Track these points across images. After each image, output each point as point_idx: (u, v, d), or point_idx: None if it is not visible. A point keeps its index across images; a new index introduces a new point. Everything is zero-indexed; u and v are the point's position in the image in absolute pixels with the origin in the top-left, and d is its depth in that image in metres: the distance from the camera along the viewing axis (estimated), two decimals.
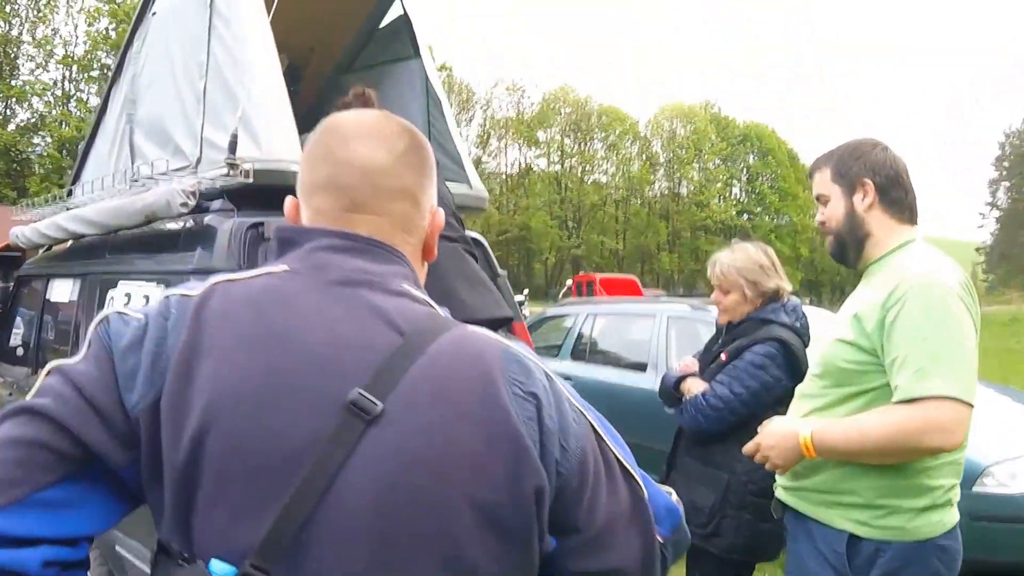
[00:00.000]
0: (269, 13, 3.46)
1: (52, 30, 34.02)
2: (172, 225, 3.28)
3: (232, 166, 3.14)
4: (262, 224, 3.15)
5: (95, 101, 32.93)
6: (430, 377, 0.95)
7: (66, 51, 33.91)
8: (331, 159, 1.08)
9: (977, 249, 72.70)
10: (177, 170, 3.66)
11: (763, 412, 2.63)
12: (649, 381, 6.28)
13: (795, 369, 2.80)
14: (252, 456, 0.90)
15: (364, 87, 2.85)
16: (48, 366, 0.97)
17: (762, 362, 2.83)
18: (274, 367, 0.93)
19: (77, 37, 33.89)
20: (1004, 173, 70.12)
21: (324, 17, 4.46)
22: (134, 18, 4.25)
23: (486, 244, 4.32)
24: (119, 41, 31.66)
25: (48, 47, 33.64)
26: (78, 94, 33.67)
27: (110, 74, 4.64)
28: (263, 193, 3.30)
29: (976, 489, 4.19)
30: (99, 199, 4.13)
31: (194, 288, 1.00)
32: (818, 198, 2.29)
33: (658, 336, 6.71)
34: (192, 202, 3.01)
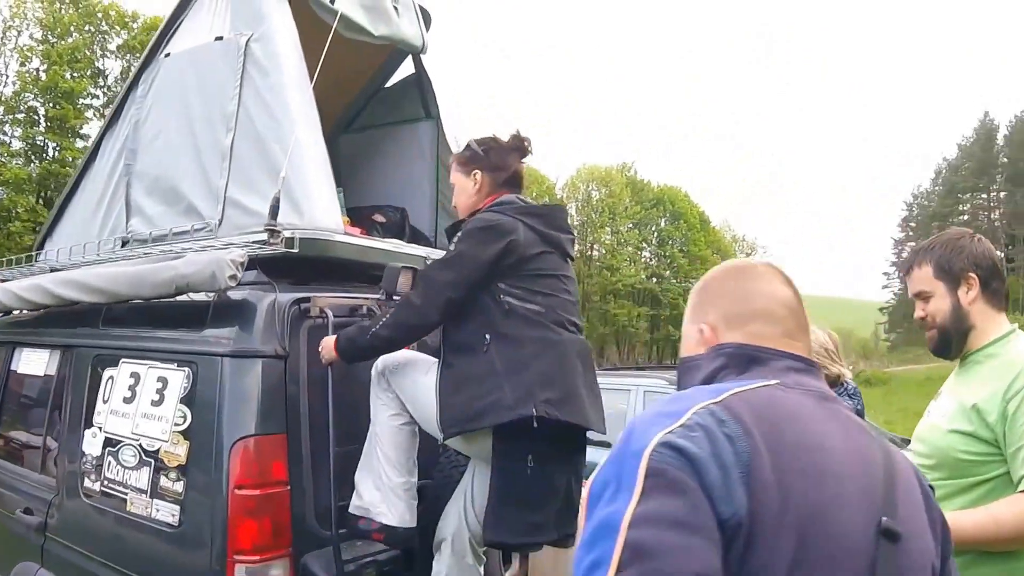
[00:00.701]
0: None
1: None
2: (194, 297, 2.88)
3: (272, 233, 2.80)
4: (307, 300, 2.80)
5: (17, 144, 31.45)
6: (907, 488, 1.14)
7: None
8: (763, 294, 1.31)
9: (881, 309, 76.00)
10: (182, 233, 3.28)
11: None
12: None
13: None
14: (825, 559, 0.99)
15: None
16: (624, 529, 0.91)
17: None
18: (825, 474, 1.04)
19: (7, 76, 32.13)
20: (910, 234, 73.87)
21: (327, 72, 4.18)
22: (142, 57, 3.79)
23: None
24: (51, 83, 30.30)
25: None
26: (0, 136, 31.90)
27: (105, 117, 4.17)
28: (299, 265, 2.97)
29: None
30: (83, 261, 3.67)
31: (713, 396, 1.06)
32: (919, 295, 2.25)
33: (635, 411, 6.54)
34: (241, 275, 2.62)
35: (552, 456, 2.50)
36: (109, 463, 2.93)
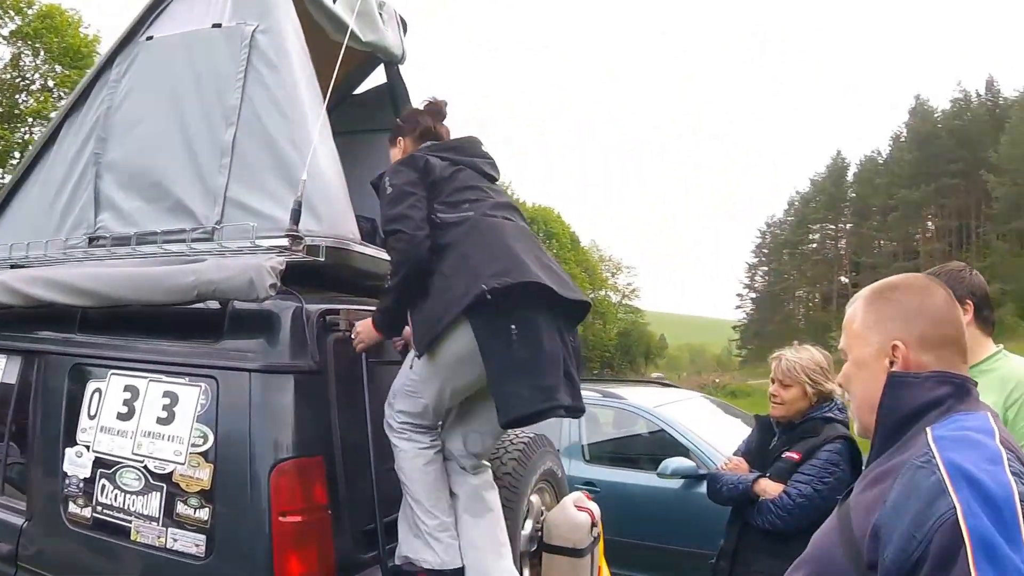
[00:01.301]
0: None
1: None
2: (198, 304, 2.60)
3: (295, 239, 2.60)
4: (335, 312, 2.62)
5: None
6: None
7: None
8: (951, 321, 1.43)
9: (733, 327, 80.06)
10: (172, 232, 2.99)
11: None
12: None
13: (858, 464, 2.93)
14: None
15: None
16: None
17: (836, 460, 2.98)
18: None
19: None
20: (763, 259, 78.31)
21: None
22: (118, 39, 3.40)
23: None
24: None
25: None
26: None
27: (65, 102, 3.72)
28: (314, 274, 2.77)
29: None
30: (45, 258, 3.28)
31: (991, 435, 1.26)
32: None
33: (569, 424, 6.51)
34: (279, 284, 2.38)
35: (535, 321, 2.45)
36: (104, 487, 2.60)
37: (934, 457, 1.20)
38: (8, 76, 26.77)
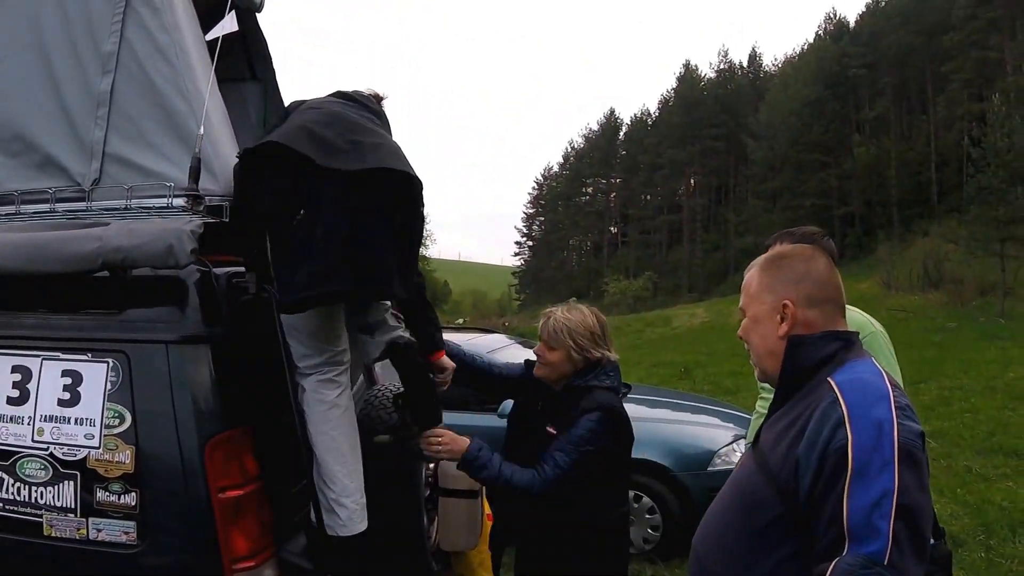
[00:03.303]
0: None
1: None
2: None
3: (196, 199, 2.38)
4: (243, 276, 2.45)
5: None
6: None
7: None
8: (831, 281, 1.70)
9: (513, 273, 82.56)
10: (35, 192, 2.63)
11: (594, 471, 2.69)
12: None
13: (621, 434, 2.79)
14: None
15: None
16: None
17: (591, 436, 2.68)
18: None
19: None
20: (540, 209, 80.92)
21: None
22: None
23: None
24: None
25: None
26: None
27: None
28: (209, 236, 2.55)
29: (710, 468, 5.19)
30: None
31: (880, 375, 1.55)
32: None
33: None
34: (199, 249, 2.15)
35: (319, 202, 2.25)
36: (2, 481, 2.29)
37: (838, 398, 1.46)
38: None
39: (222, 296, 2.34)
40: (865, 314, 2.97)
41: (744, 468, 1.71)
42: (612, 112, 79.54)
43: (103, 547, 2.18)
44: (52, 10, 2.66)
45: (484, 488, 3.32)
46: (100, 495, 2.19)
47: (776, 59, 69.68)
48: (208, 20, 4.00)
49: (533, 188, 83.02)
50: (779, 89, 57.70)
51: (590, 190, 80.00)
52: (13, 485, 2.29)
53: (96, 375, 2.23)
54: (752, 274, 1.79)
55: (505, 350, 6.65)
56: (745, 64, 71.61)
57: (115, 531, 2.17)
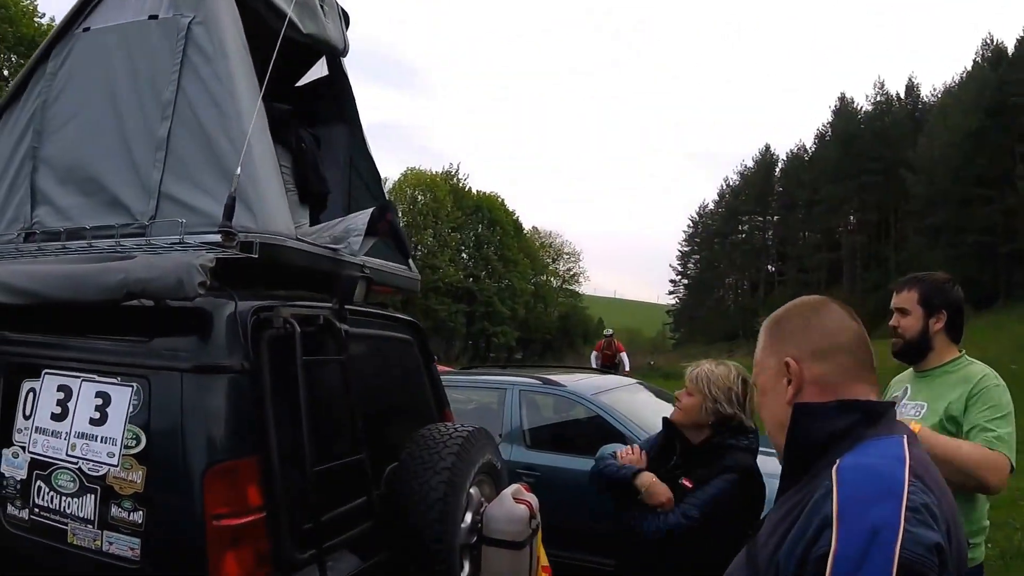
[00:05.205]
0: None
1: None
2: (136, 303, 2.44)
3: (228, 235, 2.46)
4: (270, 309, 2.49)
5: None
6: None
7: None
8: (842, 330, 1.38)
9: (667, 311, 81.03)
10: (102, 228, 2.82)
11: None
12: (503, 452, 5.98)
13: (754, 499, 2.71)
14: None
15: None
16: None
17: (725, 497, 2.67)
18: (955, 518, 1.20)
19: None
20: (695, 247, 79.33)
21: None
22: (55, 30, 3.19)
23: (422, 329, 3.86)
24: None
25: None
26: None
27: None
28: (248, 271, 2.64)
29: None
30: None
31: (900, 462, 1.17)
32: (899, 309, 2.76)
33: (513, 409, 6.47)
34: (209, 282, 2.24)
35: None
36: (40, 489, 2.44)
37: (831, 491, 1.14)
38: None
39: (245, 329, 2.38)
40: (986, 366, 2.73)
41: (736, 561, 1.38)
42: (767, 148, 76.53)
43: (112, 559, 2.27)
44: (121, 63, 2.89)
45: (540, 536, 3.22)
46: (114, 510, 2.28)
47: (935, 89, 64.82)
48: (297, 65, 4.21)
49: (688, 226, 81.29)
50: (938, 120, 53.72)
51: (746, 228, 77.31)
52: (48, 494, 2.43)
53: (122, 397, 2.33)
54: (758, 340, 1.50)
55: (612, 392, 6.47)
56: (902, 95, 67.17)
57: (123, 546, 2.25)
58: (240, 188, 2.54)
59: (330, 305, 2.76)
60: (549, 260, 63.96)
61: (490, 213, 54.55)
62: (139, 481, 2.24)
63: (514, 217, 57.11)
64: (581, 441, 6.03)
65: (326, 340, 2.73)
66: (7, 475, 2.54)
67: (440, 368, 4.25)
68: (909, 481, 1.12)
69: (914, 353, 2.75)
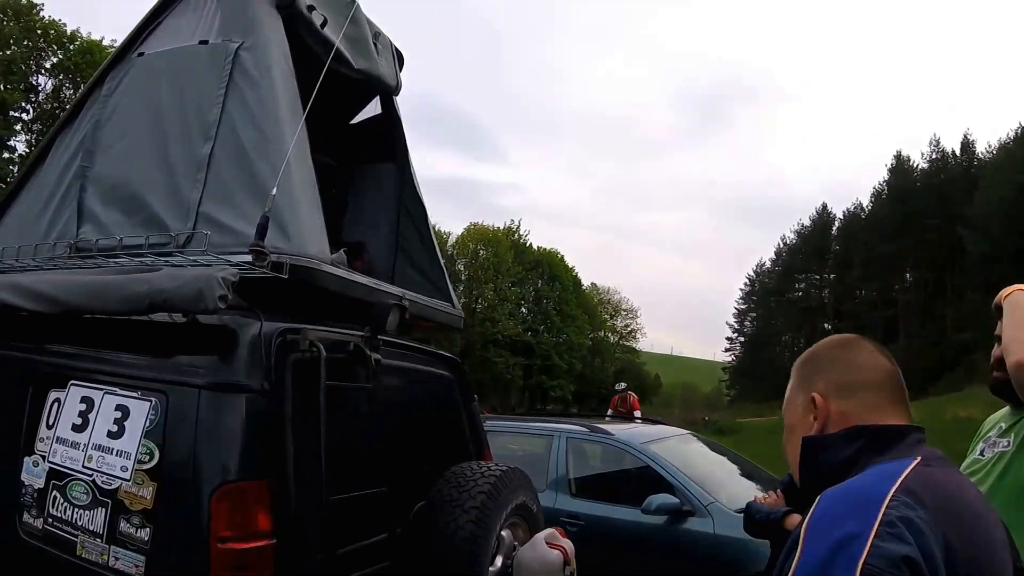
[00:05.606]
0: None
1: None
2: (161, 316, 2.38)
3: (259, 255, 2.37)
4: (296, 331, 2.38)
5: None
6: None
7: None
8: (869, 366, 1.30)
9: (723, 368, 79.45)
10: (135, 246, 2.77)
11: None
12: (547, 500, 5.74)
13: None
14: None
15: None
16: None
17: None
18: (990, 542, 1.10)
19: None
20: (751, 305, 78.02)
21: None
22: (112, 54, 3.25)
23: (464, 368, 3.73)
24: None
25: None
26: None
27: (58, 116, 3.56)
28: (279, 293, 2.54)
29: None
30: (26, 265, 3.05)
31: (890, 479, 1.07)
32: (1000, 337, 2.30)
33: (557, 458, 6.25)
34: (231, 296, 2.17)
35: None
36: (55, 499, 2.37)
37: (811, 513, 1.08)
38: (50, 106, 27.00)
39: (269, 349, 2.29)
40: None
41: None
42: (824, 207, 75.24)
43: (117, 575, 2.17)
44: (170, 86, 2.91)
45: None
46: (123, 525, 2.20)
47: (990, 145, 62.57)
48: (353, 102, 4.21)
49: (745, 284, 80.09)
50: (993, 176, 52.15)
51: (802, 286, 75.77)
52: (62, 504, 2.36)
53: (140, 412, 2.26)
54: (791, 376, 1.44)
55: (662, 442, 6.20)
56: (958, 152, 65.33)
57: (128, 562, 2.16)
58: (276, 210, 2.48)
59: (362, 333, 2.65)
60: (607, 316, 63.62)
61: (550, 268, 54.73)
62: (149, 497, 2.15)
63: (573, 273, 57.15)
64: (628, 491, 5.77)
65: (355, 368, 2.61)
66: (26, 483, 2.49)
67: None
68: (893, 496, 1.03)
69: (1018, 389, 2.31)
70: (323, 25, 3.14)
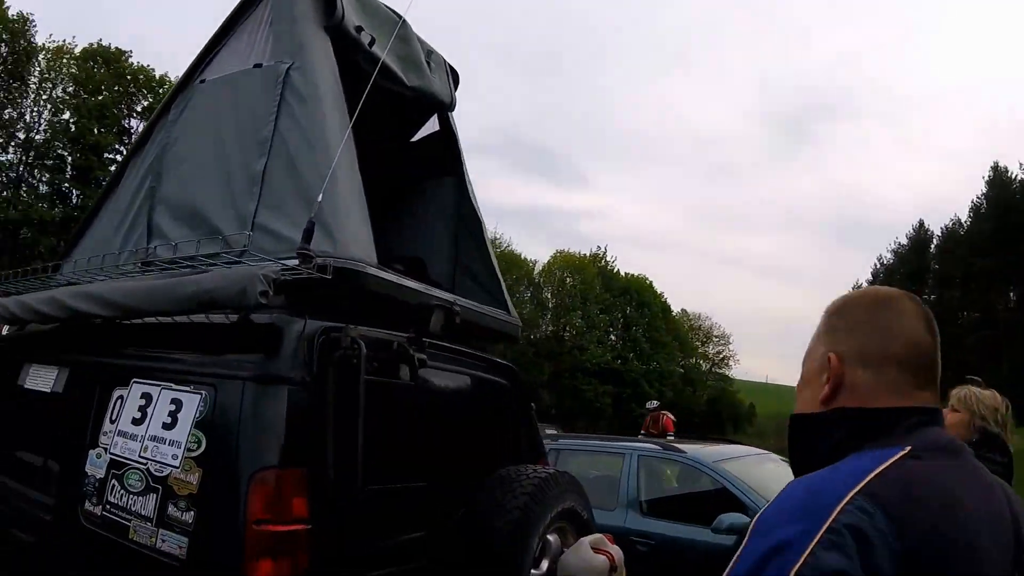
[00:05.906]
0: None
1: (18, 114, 31.84)
2: (218, 319, 2.52)
3: (305, 257, 2.47)
4: (338, 329, 2.46)
5: (44, 189, 31.80)
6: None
7: (27, 135, 31.97)
8: (905, 338, 1.13)
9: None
10: (210, 255, 2.94)
11: None
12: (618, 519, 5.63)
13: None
14: None
15: None
16: None
17: None
18: (973, 547, 0.98)
19: (40, 124, 32.05)
20: None
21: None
22: (177, 82, 3.51)
23: (520, 376, 3.74)
24: (79, 134, 30.48)
25: (10, 129, 31.49)
26: (29, 179, 31.97)
27: (131, 142, 3.85)
28: (327, 295, 2.64)
29: None
30: (99, 278, 3.28)
31: (852, 483, 0.96)
32: None
33: (631, 475, 6.14)
34: (272, 292, 2.27)
35: None
36: (113, 487, 2.53)
37: (769, 503, 1.02)
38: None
39: (311, 345, 2.39)
40: None
41: None
42: (921, 224, 71.51)
43: (162, 556, 2.29)
44: (229, 109, 3.11)
45: None
46: (171, 509, 2.31)
47: None
48: (411, 121, 4.33)
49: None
50: None
51: None
52: (118, 492, 2.50)
53: (192, 404, 2.39)
54: (818, 323, 1.28)
55: (736, 461, 6.05)
56: None
57: (173, 544, 2.27)
58: (322, 215, 2.59)
59: (407, 334, 2.71)
60: (698, 343, 62.22)
61: (639, 295, 54.03)
62: (195, 482, 2.27)
63: (663, 299, 56.25)
64: (699, 510, 5.62)
65: (399, 366, 2.66)
66: (89, 474, 2.65)
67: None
68: (851, 499, 0.94)
69: None
70: (371, 44, 3.27)
